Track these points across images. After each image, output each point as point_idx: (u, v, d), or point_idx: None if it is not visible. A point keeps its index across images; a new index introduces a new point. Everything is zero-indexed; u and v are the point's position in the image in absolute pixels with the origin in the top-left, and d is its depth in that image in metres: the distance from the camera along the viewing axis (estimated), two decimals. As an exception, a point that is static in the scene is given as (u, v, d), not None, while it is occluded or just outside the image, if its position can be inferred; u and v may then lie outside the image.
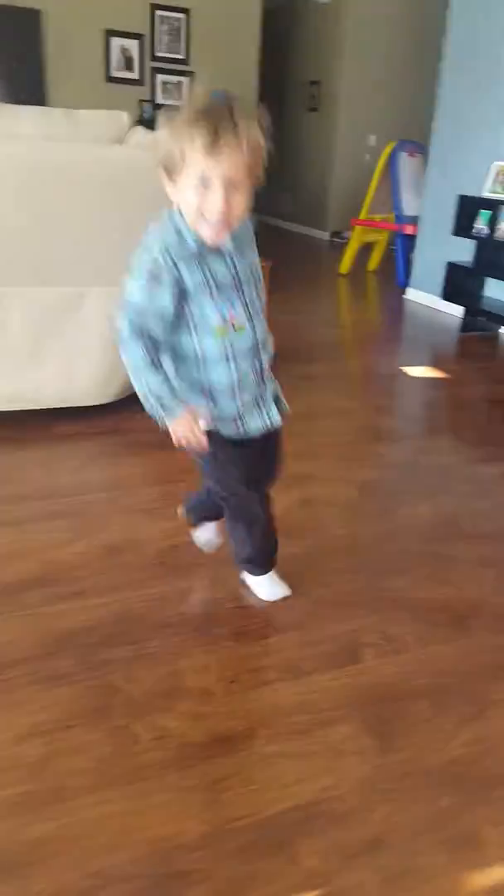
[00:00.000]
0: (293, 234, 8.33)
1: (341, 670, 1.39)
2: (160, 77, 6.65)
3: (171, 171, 1.10)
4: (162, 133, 1.08)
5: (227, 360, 1.24)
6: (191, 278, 1.17)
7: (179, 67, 6.68)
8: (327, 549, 1.82)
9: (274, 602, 1.57)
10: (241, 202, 1.11)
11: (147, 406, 1.27)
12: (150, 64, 6.56)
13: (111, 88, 6.41)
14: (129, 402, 2.53)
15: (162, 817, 1.08)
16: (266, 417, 1.36)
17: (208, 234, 1.13)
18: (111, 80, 6.41)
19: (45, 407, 2.41)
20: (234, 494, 1.42)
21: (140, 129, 2.54)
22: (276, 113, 6.04)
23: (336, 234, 7.69)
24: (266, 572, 1.56)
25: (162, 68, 6.63)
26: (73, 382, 2.43)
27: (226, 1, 6.53)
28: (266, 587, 1.57)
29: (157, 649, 1.41)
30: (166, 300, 1.17)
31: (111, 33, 6.26)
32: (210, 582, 1.64)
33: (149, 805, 1.09)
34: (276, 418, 1.38)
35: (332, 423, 2.69)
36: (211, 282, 1.18)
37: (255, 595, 1.58)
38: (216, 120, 1.03)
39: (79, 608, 1.51)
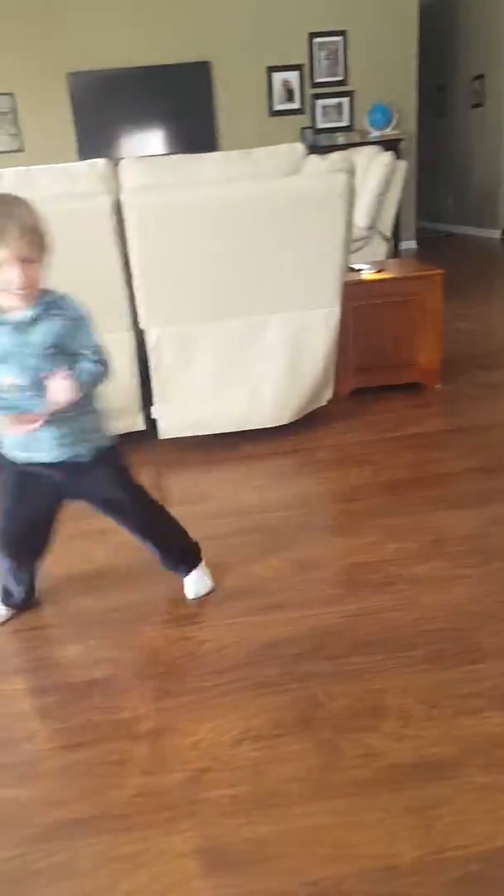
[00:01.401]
0: (460, 236, 8.08)
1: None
2: (319, 102, 6.81)
3: None
4: None
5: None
6: None
7: (339, 89, 6.80)
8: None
9: (475, 628, 1.53)
10: (37, 273, 1.34)
11: None
12: (309, 91, 6.74)
13: (273, 122, 6.67)
14: (304, 423, 2.62)
15: (373, 836, 1.09)
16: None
17: (14, 304, 1.35)
18: (274, 113, 6.67)
19: (230, 430, 2.55)
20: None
21: (314, 158, 2.63)
22: (437, 112, 5.99)
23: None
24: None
25: (321, 93, 6.79)
26: (255, 406, 2.56)
27: (380, 12, 6.54)
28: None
29: (355, 666, 1.44)
30: None
31: (273, 69, 6.53)
32: (403, 602, 1.64)
33: (359, 822, 1.11)
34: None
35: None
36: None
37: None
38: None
39: (279, 620, 1.58)
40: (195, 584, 1.72)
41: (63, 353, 1.40)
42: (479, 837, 1.08)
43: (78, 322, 1.42)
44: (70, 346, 1.41)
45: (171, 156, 2.47)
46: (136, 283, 2.34)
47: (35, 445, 1.44)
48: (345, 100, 6.84)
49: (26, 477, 1.49)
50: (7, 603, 1.68)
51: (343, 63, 6.71)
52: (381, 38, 6.62)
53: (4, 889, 1.04)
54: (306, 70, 6.66)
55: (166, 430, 2.54)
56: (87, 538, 2.02)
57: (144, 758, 1.25)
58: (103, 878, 1.05)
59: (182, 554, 1.72)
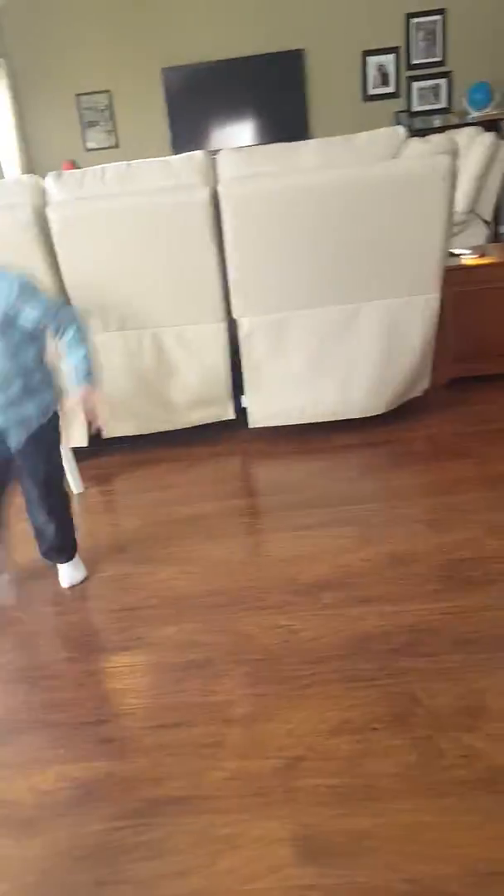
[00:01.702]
0: None
1: None
2: (415, 85, 6.60)
3: None
4: None
5: None
6: None
7: (436, 70, 6.56)
8: None
9: None
10: None
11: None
12: (405, 74, 6.55)
13: (367, 107, 6.52)
14: (399, 414, 2.56)
15: (474, 838, 1.06)
16: None
17: None
18: (368, 98, 6.53)
19: (323, 420, 2.52)
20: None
21: (415, 141, 2.55)
22: None
23: None
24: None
25: (417, 76, 6.57)
26: (348, 396, 2.52)
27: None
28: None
29: (454, 665, 1.39)
30: None
31: (368, 53, 6.38)
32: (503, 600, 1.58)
33: (460, 823, 1.08)
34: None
35: None
36: None
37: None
38: None
39: (374, 613, 1.56)
40: (72, 572, 1.81)
41: (11, 326, 1.48)
42: None
43: (12, 297, 1.46)
44: (19, 321, 1.48)
45: (270, 145, 2.46)
46: (230, 272, 2.34)
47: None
48: (442, 81, 6.58)
49: None
50: None
51: (441, 43, 6.46)
52: (481, 15, 6.33)
53: (106, 858, 1.08)
54: (402, 52, 6.47)
55: (256, 419, 2.54)
56: (181, 523, 2.06)
57: (239, 742, 1.26)
58: (201, 856, 1.06)
59: (70, 542, 1.80)
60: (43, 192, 2.30)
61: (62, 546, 1.79)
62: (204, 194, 2.25)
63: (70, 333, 1.54)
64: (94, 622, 1.67)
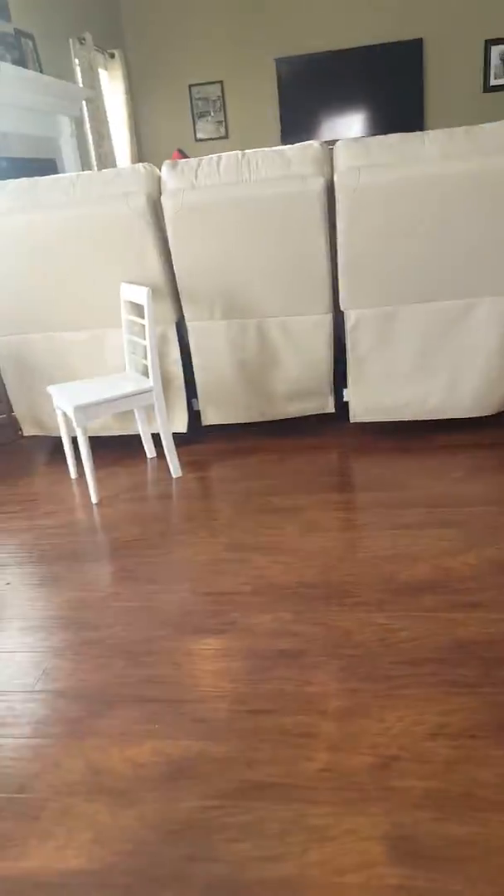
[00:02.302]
0: None
1: None
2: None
3: None
4: None
5: None
6: None
7: None
8: None
9: None
10: None
11: None
12: (530, 63, 6.25)
13: (488, 98, 6.28)
14: (509, 416, 2.46)
15: None
16: None
17: None
18: (489, 89, 6.29)
19: (428, 418, 2.46)
20: None
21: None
22: None
23: None
24: None
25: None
26: (456, 394, 2.44)
27: None
28: None
29: None
30: None
31: (491, 42, 6.14)
32: None
33: None
34: None
35: None
36: None
37: None
38: None
39: (477, 619, 1.50)
40: None
41: None
42: None
43: None
44: None
45: (388, 135, 2.41)
46: (341, 264, 2.32)
47: None
48: None
49: None
50: None
51: None
52: None
53: (197, 835, 1.09)
54: (526, 40, 6.18)
55: (358, 413, 2.50)
56: (276, 514, 2.06)
57: (333, 735, 1.24)
58: (291, 844, 1.06)
59: None
60: (158, 181, 2.35)
61: None
62: (318, 185, 2.23)
63: None
64: (189, 604, 1.70)
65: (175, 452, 2.37)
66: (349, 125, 6.44)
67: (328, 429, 2.58)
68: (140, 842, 1.10)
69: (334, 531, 1.97)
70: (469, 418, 2.44)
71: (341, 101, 6.45)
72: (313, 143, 2.31)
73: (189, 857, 1.06)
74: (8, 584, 1.87)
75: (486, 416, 2.44)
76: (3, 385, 2.77)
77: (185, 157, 4.67)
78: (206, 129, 6.64)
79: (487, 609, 1.53)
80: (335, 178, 2.22)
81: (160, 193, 2.33)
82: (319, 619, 1.57)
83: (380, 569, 1.73)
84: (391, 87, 6.28)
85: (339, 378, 2.52)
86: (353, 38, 6.14)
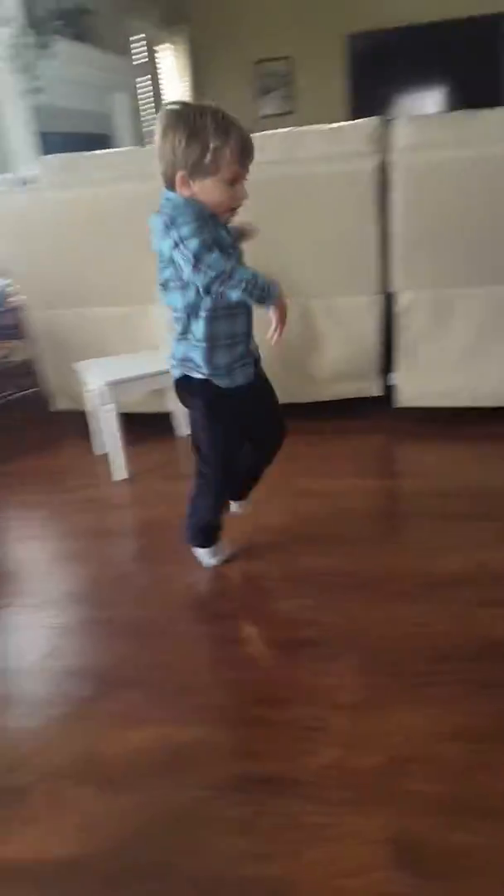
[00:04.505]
0: None
1: None
2: None
3: (195, 173, 1.24)
4: (181, 140, 1.21)
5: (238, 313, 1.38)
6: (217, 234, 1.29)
7: None
8: None
9: None
10: None
11: (249, 296, 1.27)
12: None
13: None
14: None
15: None
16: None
17: (228, 218, 1.33)
18: None
19: (481, 405, 2.32)
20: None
21: None
22: None
23: None
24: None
25: None
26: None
27: None
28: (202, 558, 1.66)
29: None
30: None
31: None
32: None
33: None
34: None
35: None
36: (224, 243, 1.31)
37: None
38: (241, 129, 1.24)
39: (511, 618, 1.39)
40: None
41: None
42: None
43: None
44: None
45: (451, 112, 2.27)
46: (395, 244, 2.20)
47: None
48: None
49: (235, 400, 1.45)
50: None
51: None
52: None
53: (190, 825, 1.04)
54: None
55: (406, 398, 2.38)
56: (309, 497, 1.98)
57: (344, 730, 1.17)
58: (284, 842, 1.00)
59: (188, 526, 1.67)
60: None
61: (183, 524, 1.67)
62: (370, 163, 2.13)
63: None
64: (208, 586, 1.64)
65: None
66: (424, 102, 6.20)
67: (372, 412, 2.47)
68: (129, 830, 1.05)
69: (370, 517, 1.88)
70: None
71: (416, 77, 6.24)
72: (370, 120, 2.20)
73: (178, 849, 1.01)
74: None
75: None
76: (33, 359, 2.75)
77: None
78: (271, 105, 6.50)
79: (524, 608, 1.42)
80: (391, 156, 2.11)
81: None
82: (345, 609, 1.49)
83: (415, 560, 1.63)
84: (469, 63, 6.02)
85: (386, 361, 2.40)
86: (427, 13, 5.89)
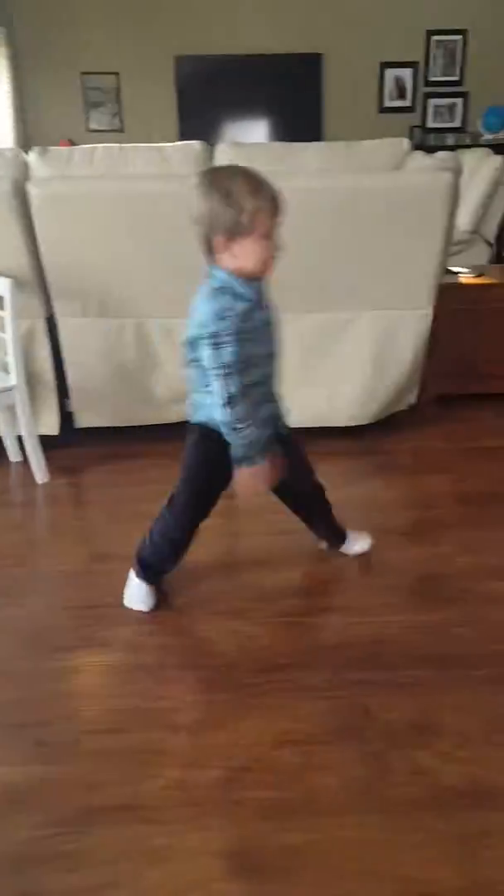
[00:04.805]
0: None
1: None
2: (431, 102, 6.61)
3: (234, 234, 1.28)
4: (217, 205, 1.27)
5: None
6: (249, 325, 1.35)
7: (453, 90, 6.56)
8: None
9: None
10: None
11: (240, 452, 1.38)
12: (422, 90, 6.55)
13: (382, 119, 6.51)
14: (383, 426, 2.52)
15: (415, 858, 1.02)
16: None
17: (269, 273, 1.37)
18: (384, 110, 6.52)
19: (306, 426, 2.47)
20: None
21: (419, 154, 2.53)
22: None
23: None
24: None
25: (434, 93, 6.58)
26: (333, 404, 2.48)
27: (501, 14, 6.27)
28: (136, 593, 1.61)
29: (413, 680, 1.35)
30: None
31: (386, 65, 6.38)
32: (470, 618, 1.54)
33: (402, 841, 1.05)
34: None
35: None
36: (257, 329, 1.37)
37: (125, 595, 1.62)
38: (270, 186, 1.29)
39: (335, 623, 1.52)
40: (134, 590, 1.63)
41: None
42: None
43: None
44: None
45: (272, 143, 2.43)
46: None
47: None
48: (458, 101, 6.59)
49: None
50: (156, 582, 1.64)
51: (460, 63, 6.47)
52: (501, 41, 6.35)
53: (29, 866, 1.02)
54: (420, 68, 6.47)
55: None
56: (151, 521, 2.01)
57: (183, 750, 1.21)
58: (126, 869, 1.02)
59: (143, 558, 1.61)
60: (25, 166, 2.24)
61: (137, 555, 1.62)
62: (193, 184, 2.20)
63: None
64: (46, 618, 1.61)
65: (42, 456, 2.24)
66: (250, 132, 6.45)
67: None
68: (-34, 876, 1.02)
69: (208, 538, 1.93)
70: (347, 427, 2.49)
71: (243, 106, 6.45)
72: (194, 143, 2.29)
73: (22, 891, 0.99)
74: None
75: (362, 426, 2.49)
76: None
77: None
78: (100, 120, 6.43)
79: (345, 612, 1.56)
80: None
81: (27, 180, 2.21)
82: (182, 630, 1.54)
83: (248, 576, 1.72)
84: (292, 98, 6.37)
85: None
86: (255, 45, 6.16)
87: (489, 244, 4.78)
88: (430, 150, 4.00)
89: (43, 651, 1.50)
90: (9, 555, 1.87)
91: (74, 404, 2.47)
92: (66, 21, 6.06)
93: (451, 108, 6.63)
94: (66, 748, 1.24)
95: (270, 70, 6.26)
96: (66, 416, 2.49)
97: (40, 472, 2.25)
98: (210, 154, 2.29)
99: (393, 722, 1.25)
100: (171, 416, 2.51)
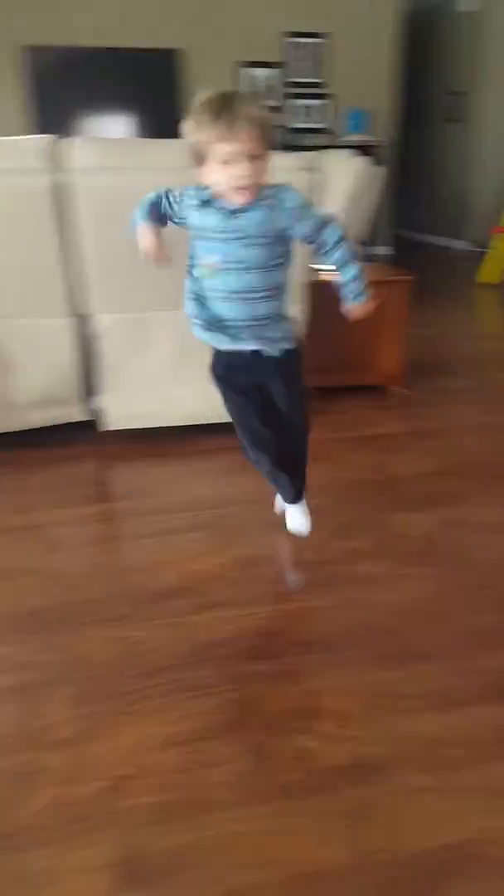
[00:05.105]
0: (431, 246, 8.11)
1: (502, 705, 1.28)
2: (295, 102, 6.77)
3: (199, 159, 1.31)
4: (183, 132, 1.31)
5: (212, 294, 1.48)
6: (195, 218, 1.41)
7: (316, 91, 6.76)
8: (473, 574, 1.70)
9: (419, 627, 1.48)
10: (262, 167, 1.31)
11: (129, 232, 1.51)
12: (283, 91, 6.70)
13: (245, 118, 6.60)
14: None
15: (301, 841, 1.04)
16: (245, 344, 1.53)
17: (240, 200, 1.33)
18: (246, 109, 6.61)
19: (182, 424, 2.47)
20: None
21: (281, 155, 2.56)
22: (412, 124, 5.83)
23: (477, 243, 7.38)
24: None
25: (297, 93, 6.74)
26: (208, 400, 2.47)
27: (361, 19, 6.54)
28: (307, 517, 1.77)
29: (295, 667, 1.38)
30: (178, 210, 1.46)
31: (244, 64, 6.47)
32: (346, 601, 1.59)
33: (288, 826, 1.06)
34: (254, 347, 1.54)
35: (476, 440, 2.54)
36: (205, 229, 1.40)
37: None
38: (218, 110, 1.26)
39: (220, 619, 1.51)
40: (300, 516, 1.76)
41: (280, 240, 1.41)
42: (411, 840, 1.03)
43: (290, 211, 1.37)
44: (287, 234, 1.40)
45: (128, 139, 2.38)
46: (87, 267, 2.23)
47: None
48: (322, 102, 6.80)
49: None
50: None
51: (321, 66, 6.68)
52: (360, 45, 6.62)
53: None
54: (280, 69, 6.61)
55: (115, 421, 2.44)
56: (13, 533, 1.92)
57: (59, 767, 1.16)
58: (7, 898, 0.96)
59: (303, 481, 1.75)
60: None
61: (289, 482, 1.73)
62: (45, 181, 2.11)
63: (338, 252, 1.42)
64: None
65: None
66: (110, 126, 6.27)
67: (80, 439, 2.47)
68: None
69: (84, 546, 1.88)
70: (225, 423, 2.49)
71: (102, 101, 6.26)
72: (44, 137, 2.20)
73: None
74: None
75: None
76: None
77: None
78: None
79: (230, 607, 1.55)
80: (71, 176, 2.13)
81: None
82: (58, 644, 1.47)
83: (129, 581, 1.68)
84: (152, 94, 6.27)
85: (88, 385, 2.42)
86: (112, 38, 6.03)
87: (362, 243, 4.96)
88: (293, 149, 4.10)
89: None
90: None
91: None
92: None
93: (315, 109, 6.84)
94: None
95: (128, 65, 6.15)
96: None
97: None
98: (64, 149, 2.19)
99: (276, 710, 1.26)
100: (29, 421, 2.40)
